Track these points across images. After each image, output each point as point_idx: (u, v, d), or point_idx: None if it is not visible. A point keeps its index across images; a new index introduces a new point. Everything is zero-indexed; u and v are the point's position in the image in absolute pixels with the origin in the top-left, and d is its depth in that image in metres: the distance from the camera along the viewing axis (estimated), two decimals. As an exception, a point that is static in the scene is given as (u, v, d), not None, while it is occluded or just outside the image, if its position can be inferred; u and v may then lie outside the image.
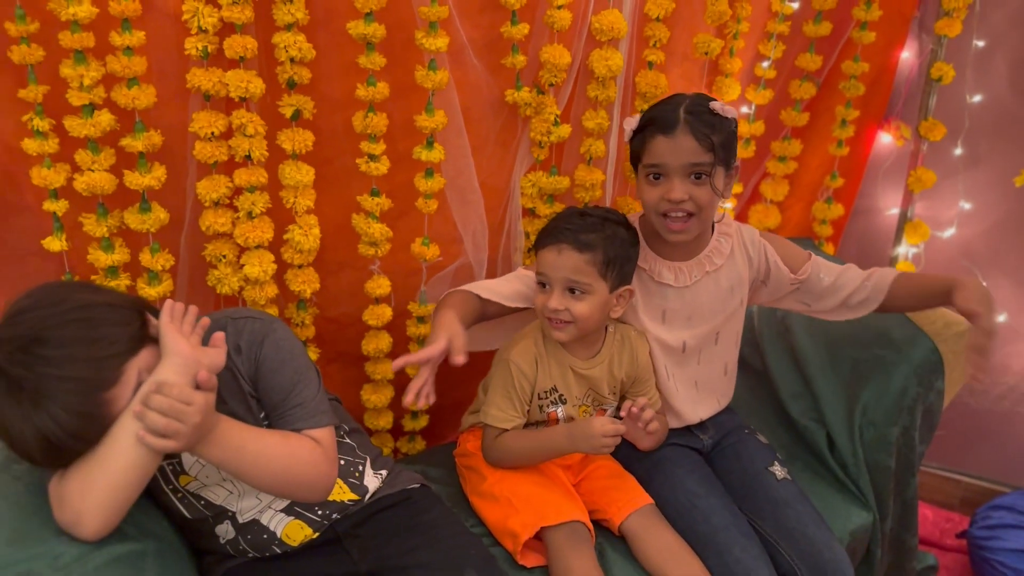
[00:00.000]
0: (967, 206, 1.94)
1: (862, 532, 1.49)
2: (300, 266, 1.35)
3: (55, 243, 1.22)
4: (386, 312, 1.46)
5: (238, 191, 1.27)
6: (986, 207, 1.93)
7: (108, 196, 1.21)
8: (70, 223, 1.23)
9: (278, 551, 1.12)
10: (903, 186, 1.92)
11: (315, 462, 1.03)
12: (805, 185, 1.95)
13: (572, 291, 1.25)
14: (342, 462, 1.18)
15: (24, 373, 0.86)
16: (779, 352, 1.68)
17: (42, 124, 1.15)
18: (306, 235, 1.30)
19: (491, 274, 1.56)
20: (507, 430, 1.31)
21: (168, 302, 0.99)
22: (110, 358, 0.91)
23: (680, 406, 1.42)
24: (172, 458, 1.06)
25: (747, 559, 1.24)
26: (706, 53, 1.55)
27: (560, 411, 1.34)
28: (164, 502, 1.09)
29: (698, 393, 1.44)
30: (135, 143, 1.19)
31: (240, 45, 1.18)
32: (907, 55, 1.89)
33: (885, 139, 1.96)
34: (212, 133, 1.21)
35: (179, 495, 1.08)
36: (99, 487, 0.91)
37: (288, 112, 1.25)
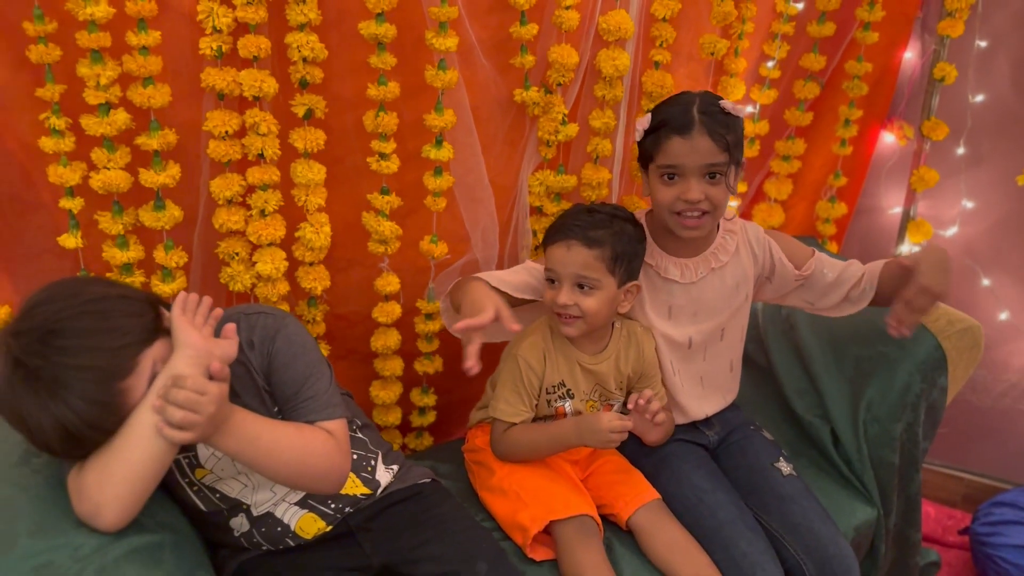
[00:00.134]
0: (969, 205, 1.95)
1: (866, 527, 1.50)
2: (311, 263, 1.36)
3: (70, 240, 1.24)
4: (395, 309, 1.48)
5: (251, 189, 1.29)
6: (988, 206, 1.94)
7: (123, 194, 1.23)
8: (85, 221, 1.25)
9: (291, 544, 1.14)
10: (906, 185, 1.93)
11: (328, 453, 1.04)
12: (809, 184, 1.96)
13: (581, 287, 1.26)
14: (355, 456, 1.19)
15: (41, 363, 0.88)
16: (784, 349, 1.69)
17: (59, 123, 1.16)
18: (317, 233, 1.32)
19: (499, 265, 1.57)
20: (515, 424, 1.33)
21: (181, 294, 1.00)
22: (125, 348, 0.92)
23: (686, 402, 1.44)
24: (188, 452, 1.07)
25: (753, 553, 1.25)
26: (712, 53, 1.56)
27: (568, 406, 1.35)
28: (180, 495, 1.10)
29: (703, 389, 1.46)
30: (150, 141, 1.20)
31: (254, 45, 1.19)
32: (910, 55, 1.90)
33: (888, 138, 1.97)
34: (226, 132, 1.23)
35: (195, 488, 1.10)
36: (117, 479, 0.92)
37: (300, 111, 1.27)
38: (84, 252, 1.26)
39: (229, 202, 1.27)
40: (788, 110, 1.84)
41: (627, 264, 1.29)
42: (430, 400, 1.64)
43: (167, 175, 1.22)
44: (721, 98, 1.29)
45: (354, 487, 1.17)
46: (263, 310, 1.12)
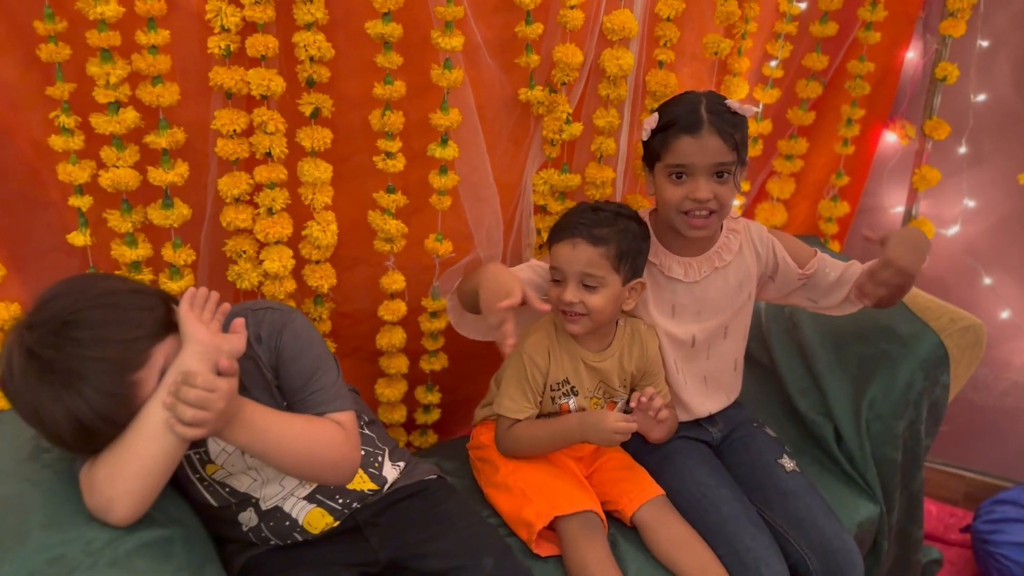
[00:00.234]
0: (971, 204, 1.96)
1: (869, 524, 1.51)
2: (318, 262, 1.37)
3: (79, 238, 1.24)
4: (401, 307, 1.49)
5: (258, 187, 1.29)
6: (990, 205, 1.94)
7: (131, 192, 1.23)
8: (94, 219, 1.25)
9: (299, 539, 1.14)
10: (908, 184, 1.94)
11: (338, 444, 1.04)
12: (811, 183, 1.97)
13: (586, 285, 1.27)
14: (362, 452, 1.19)
15: (55, 355, 0.89)
16: (787, 348, 1.70)
17: (68, 121, 1.17)
18: (324, 231, 1.33)
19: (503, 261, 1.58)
20: (520, 420, 1.33)
21: (190, 289, 1.01)
22: (138, 340, 0.93)
23: (689, 399, 1.44)
24: (198, 448, 1.08)
25: (758, 548, 1.26)
26: (715, 53, 1.57)
27: (572, 403, 1.36)
28: (190, 491, 1.11)
29: (707, 387, 1.47)
30: (159, 140, 1.21)
31: (262, 44, 1.20)
32: (912, 55, 1.91)
33: (890, 138, 1.98)
34: (233, 130, 1.23)
35: (205, 484, 1.11)
36: (129, 474, 0.93)
37: (307, 110, 1.27)
38: (93, 250, 1.27)
39: (237, 200, 1.28)
40: (791, 109, 1.85)
41: (632, 262, 1.29)
42: (435, 398, 1.64)
43: (175, 173, 1.23)
44: (726, 98, 1.30)
45: (361, 482, 1.18)
46: (270, 305, 1.13)
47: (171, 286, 1.29)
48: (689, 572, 1.25)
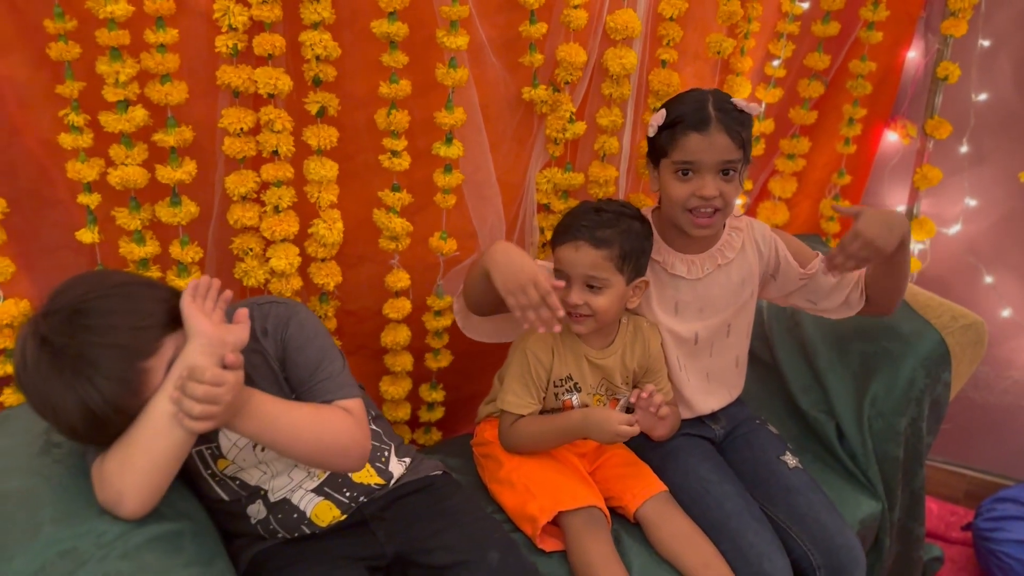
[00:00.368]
0: (972, 203, 1.97)
1: (871, 521, 1.51)
2: (323, 259, 1.38)
3: (87, 235, 1.25)
4: (406, 305, 1.50)
5: (265, 186, 1.30)
6: (991, 204, 1.95)
7: (139, 190, 1.25)
8: (102, 216, 1.27)
9: (307, 531, 1.15)
10: (909, 183, 1.95)
11: (348, 429, 1.05)
12: (813, 182, 1.98)
13: (591, 286, 1.28)
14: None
15: (67, 341, 0.90)
16: (789, 346, 1.71)
17: (78, 119, 1.18)
18: (330, 229, 1.34)
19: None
20: (523, 416, 1.34)
21: (192, 281, 1.01)
22: (149, 328, 0.94)
23: (692, 396, 1.45)
24: (210, 443, 1.09)
25: (760, 544, 1.27)
26: (718, 52, 1.58)
27: (575, 399, 1.37)
28: (201, 487, 1.12)
29: (709, 384, 1.47)
30: (167, 138, 1.22)
31: (269, 43, 1.21)
32: (913, 55, 1.92)
33: (892, 137, 1.99)
34: (241, 129, 1.24)
35: (216, 479, 1.12)
36: (138, 467, 0.94)
37: (313, 109, 1.29)
38: (101, 247, 1.28)
39: (244, 198, 1.29)
40: (793, 109, 1.86)
41: (635, 261, 1.30)
42: (439, 396, 1.65)
43: (183, 171, 1.24)
44: (731, 96, 1.31)
45: (368, 476, 1.19)
46: (274, 300, 1.14)
47: (178, 283, 1.30)
48: (692, 568, 1.26)
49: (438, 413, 1.68)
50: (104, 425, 0.93)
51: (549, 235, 1.48)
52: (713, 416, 1.49)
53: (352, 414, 1.07)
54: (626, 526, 1.34)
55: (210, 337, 0.96)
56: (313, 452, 1.03)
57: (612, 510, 1.34)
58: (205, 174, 1.29)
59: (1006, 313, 1.98)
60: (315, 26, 1.23)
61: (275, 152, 1.27)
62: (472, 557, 1.13)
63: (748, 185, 1.91)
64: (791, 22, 1.72)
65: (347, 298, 1.50)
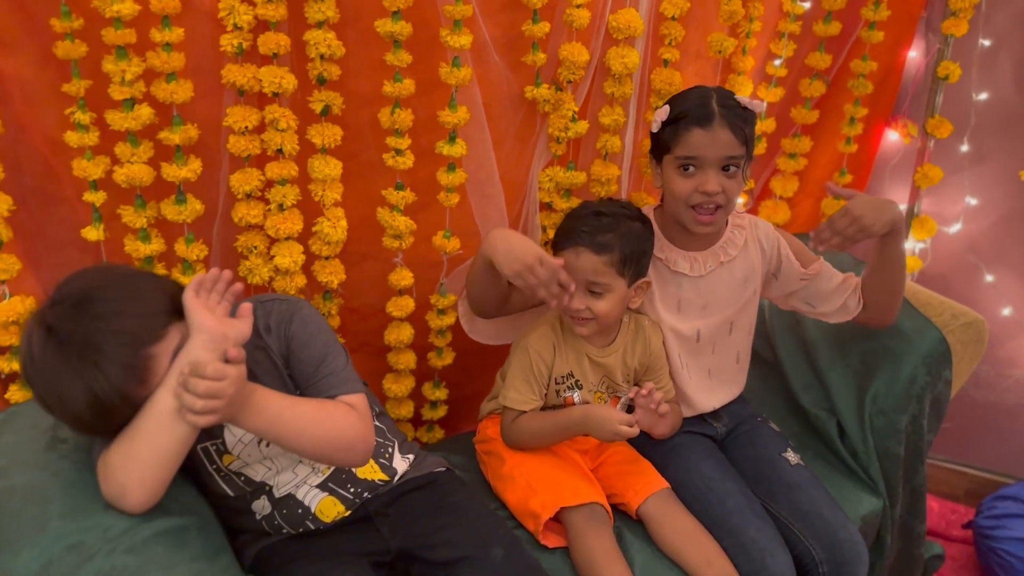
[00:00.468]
0: (973, 202, 1.97)
1: (872, 517, 1.52)
2: (327, 257, 1.39)
3: (93, 233, 1.26)
4: (409, 303, 1.50)
5: (269, 184, 1.31)
6: (992, 203, 1.96)
7: (144, 188, 1.25)
8: (107, 214, 1.27)
9: (311, 527, 1.16)
10: (910, 182, 1.96)
11: (352, 424, 1.06)
12: (814, 181, 1.98)
13: (592, 291, 1.29)
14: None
15: (73, 328, 0.91)
16: (790, 344, 1.71)
17: (84, 117, 1.19)
18: (334, 227, 1.34)
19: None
20: (525, 412, 1.35)
21: (198, 275, 1.01)
22: (155, 315, 0.95)
23: (693, 394, 1.46)
24: (215, 439, 1.10)
25: (762, 540, 1.27)
26: (719, 52, 1.59)
27: (576, 396, 1.38)
28: (207, 482, 1.13)
29: (711, 382, 1.48)
30: (172, 136, 1.23)
31: (273, 42, 1.22)
32: (914, 54, 1.92)
33: (892, 136, 1.99)
34: (245, 127, 1.25)
35: (222, 474, 1.12)
36: (142, 461, 0.95)
37: (318, 107, 1.29)
38: (106, 245, 1.29)
39: (248, 196, 1.30)
40: (794, 108, 1.86)
41: (636, 264, 1.31)
42: (442, 394, 1.66)
43: (188, 169, 1.25)
44: (734, 93, 1.31)
45: (372, 472, 1.19)
46: (278, 297, 1.15)
47: (184, 280, 1.30)
48: (695, 564, 1.26)
49: (441, 411, 1.69)
50: (110, 413, 0.93)
51: (551, 233, 1.49)
52: (715, 414, 1.50)
53: (356, 409, 1.07)
54: (628, 523, 1.34)
55: (212, 332, 0.96)
56: (317, 447, 1.04)
57: (614, 507, 1.34)
58: (210, 172, 1.30)
59: (1007, 312, 1.99)
60: (319, 25, 1.24)
61: (279, 150, 1.28)
62: (476, 553, 1.13)
63: (750, 184, 1.91)
64: (792, 21, 1.73)
65: (350, 296, 1.51)
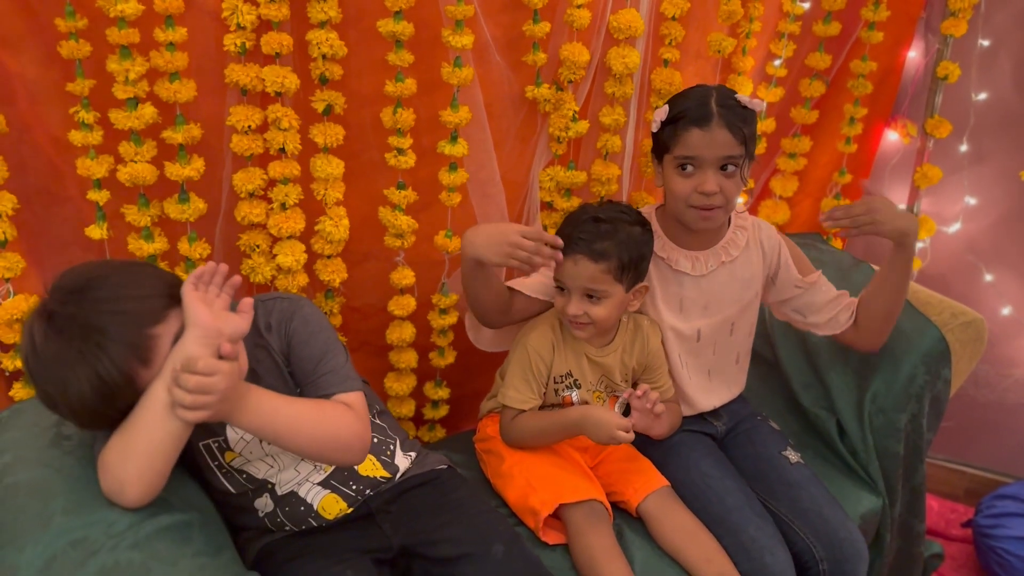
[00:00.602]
0: (972, 201, 1.98)
1: (872, 516, 1.52)
2: (329, 256, 1.40)
3: (96, 232, 1.27)
4: (411, 303, 1.51)
5: (272, 183, 1.32)
6: (991, 202, 1.96)
7: (148, 187, 1.26)
8: (111, 213, 1.28)
9: (314, 524, 1.16)
10: (909, 182, 1.96)
11: (348, 423, 1.06)
12: (814, 181, 1.99)
13: (590, 296, 1.29)
14: (374, 440, 1.22)
15: (75, 311, 0.91)
16: (790, 344, 1.72)
17: (88, 117, 1.20)
18: (336, 226, 1.35)
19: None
20: (524, 411, 1.35)
21: (197, 269, 1.01)
22: (156, 297, 0.96)
23: (693, 393, 1.46)
24: (217, 436, 1.10)
25: (762, 538, 1.27)
26: (718, 51, 1.59)
27: (575, 395, 1.38)
28: (209, 479, 1.13)
29: (710, 382, 1.48)
30: (175, 136, 1.24)
31: (276, 42, 1.22)
32: (914, 54, 1.93)
33: (892, 136, 2.00)
34: (248, 127, 1.26)
35: (224, 471, 1.13)
36: (138, 456, 0.94)
37: (320, 107, 1.30)
38: (110, 244, 1.30)
39: (251, 195, 1.31)
40: (794, 108, 1.87)
41: (635, 269, 1.30)
42: (443, 393, 1.66)
43: (192, 168, 1.26)
44: (736, 92, 1.32)
45: (374, 469, 1.20)
46: (279, 295, 1.16)
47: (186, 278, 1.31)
48: (694, 562, 1.27)
49: (442, 411, 1.69)
50: (114, 396, 0.92)
51: (553, 232, 1.49)
52: (715, 412, 1.50)
53: (353, 408, 1.08)
54: (628, 520, 1.35)
55: (206, 328, 0.95)
56: (313, 446, 1.04)
57: (614, 505, 1.35)
58: (213, 171, 1.31)
59: (1006, 311, 1.99)
60: (322, 25, 1.24)
61: (282, 150, 1.29)
62: (477, 550, 1.14)
63: (750, 183, 1.92)
64: (792, 22, 1.73)
65: (352, 295, 1.51)
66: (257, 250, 1.34)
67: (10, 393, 1.29)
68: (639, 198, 1.66)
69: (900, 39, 1.89)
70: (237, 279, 1.03)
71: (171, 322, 0.96)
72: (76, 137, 1.20)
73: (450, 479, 1.27)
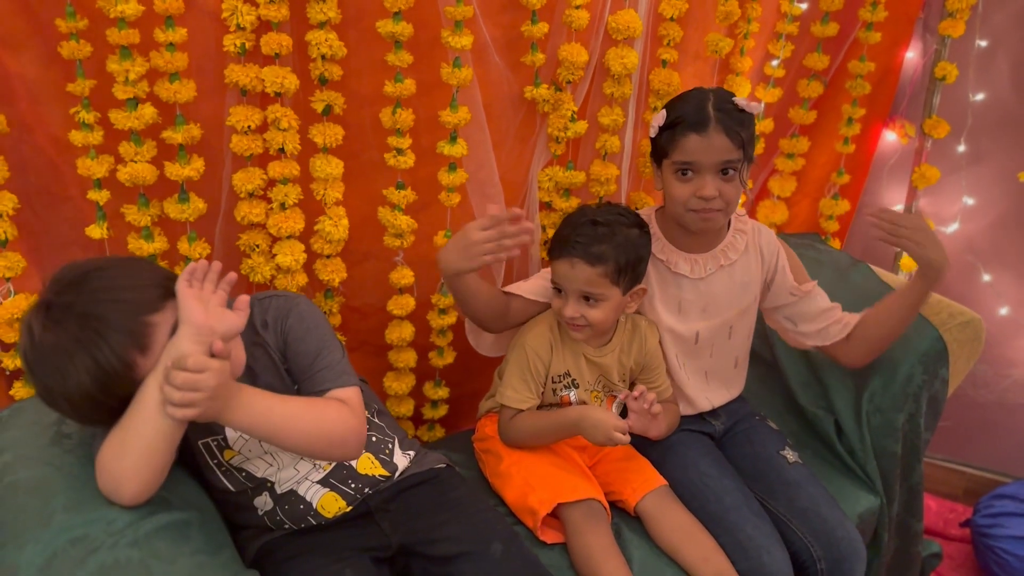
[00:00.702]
0: (970, 202, 1.98)
1: (869, 515, 1.53)
2: (329, 256, 1.40)
3: (97, 231, 1.27)
4: (410, 302, 1.51)
5: (271, 183, 1.32)
6: (989, 203, 1.97)
7: (148, 187, 1.26)
8: (111, 212, 1.28)
9: (313, 522, 1.17)
10: (907, 182, 1.97)
11: (343, 419, 1.06)
12: (812, 181, 1.99)
13: (587, 299, 1.29)
14: (373, 439, 1.23)
15: (73, 300, 0.92)
16: (788, 344, 1.72)
17: (88, 117, 1.20)
18: (336, 226, 1.35)
19: (507, 266, 1.61)
20: (522, 411, 1.36)
21: (191, 265, 1.01)
22: (153, 287, 0.97)
23: (691, 393, 1.47)
24: (216, 435, 1.11)
25: (759, 537, 1.28)
26: (716, 52, 1.60)
27: (573, 395, 1.39)
28: (209, 477, 1.13)
29: (708, 384, 1.49)
30: (175, 136, 1.24)
31: (276, 42, 1.23)
32: (911, 55, 1.93)
33: (890, 137, 2.00)
34: (248, 127, 1.26)
35: (223, 469, 1.13)
36: (132, 453, 0.95)
37: (319, 107, 1.30)
38: (110, 243, 1.30)
39: (251, 195, 1.31)
40: (792, 108, 1.87)
41: (632, 272, 1.31)
42: (443, 393, 1.67)
43: (191, 168, 1.26)
44: (733, 95, 1.32)
45: (373, 468, 1.20)
46: (275, 293, 1.16)
47: (184, 278, 1.31)
48: (692, 561, 1.27)
49: (442, 410, 1.70)
50: (112, 385, 0.92)
51: (551, 232, 1.50)
52: (713, 412, 1.51)
53: (347, 403, 1.08)
54: (626, 519, 1.35)
55: (199, 326, 0.95)
56: (311, 443, 1.04)
57: (612, 504, 1.35)
58: (213, 171, 1.31)
59: (1004, 311, 2.00)
60: (321, 26, 1.25)
61: (282, 150, 1.29)
62: (476, 548, 1.14)
63: (749, 184, 1.92)
64: (790, 22, 1.74)
65: (352, 294, 1.52)
66: (257, 250, 1.34)
67: (10, 392, 1.30)
68: (637, 198, 1.66)
69: (898, 40, 1.89)
70: (233, 275, 1.03)
71: (168, 312, 0.97)
72: (76, 137, 1.21)
73: (449, 478, 1.28)
